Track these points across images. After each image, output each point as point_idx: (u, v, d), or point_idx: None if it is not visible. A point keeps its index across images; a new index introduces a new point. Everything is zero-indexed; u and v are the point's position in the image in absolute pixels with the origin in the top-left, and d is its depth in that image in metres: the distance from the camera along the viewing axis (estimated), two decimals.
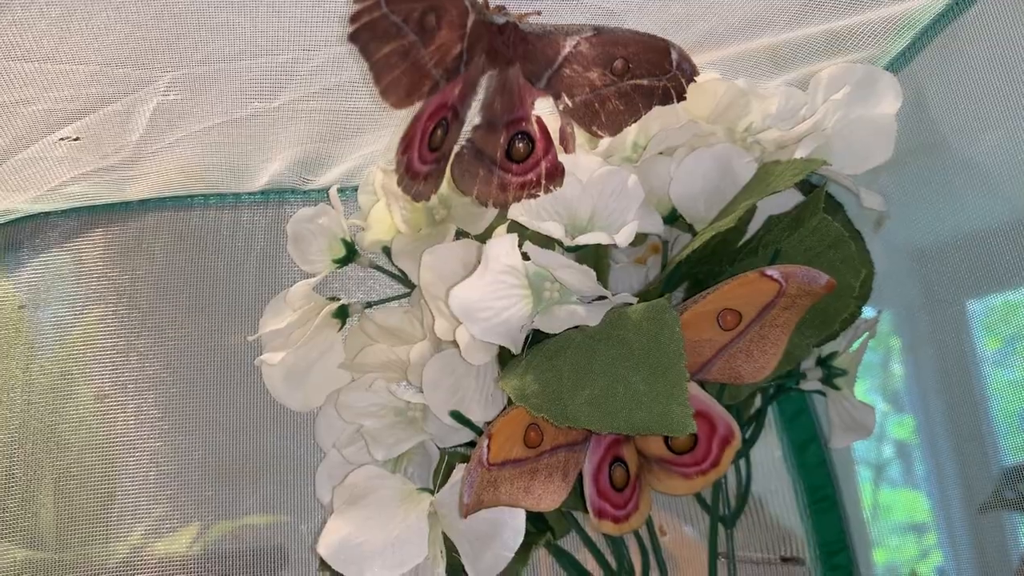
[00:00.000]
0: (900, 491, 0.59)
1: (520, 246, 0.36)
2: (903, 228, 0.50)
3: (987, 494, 0.49)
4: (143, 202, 0.54)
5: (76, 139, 0.44)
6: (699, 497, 0.46)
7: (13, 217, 0.54)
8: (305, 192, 0.55)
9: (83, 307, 0.54)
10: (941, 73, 0.46)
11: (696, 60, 0.38)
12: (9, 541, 0.51)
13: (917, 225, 0.51)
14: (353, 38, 0.32)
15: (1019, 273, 0.44)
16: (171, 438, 0.53)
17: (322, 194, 0.54)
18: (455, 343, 0.38)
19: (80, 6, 0.35)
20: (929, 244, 0.51)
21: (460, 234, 0.43)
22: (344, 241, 0.46)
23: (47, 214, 0.54)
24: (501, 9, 0.37)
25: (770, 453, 0.57)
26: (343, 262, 0.46)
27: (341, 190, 0.47)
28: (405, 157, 0.36)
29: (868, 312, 0.46)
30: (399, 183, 0.37)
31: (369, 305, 0.46)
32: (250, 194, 0.55)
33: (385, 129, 0.48)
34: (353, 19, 0.31)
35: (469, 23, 0.35)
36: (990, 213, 0.46)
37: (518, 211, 0.39)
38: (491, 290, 0.36)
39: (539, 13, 0.38)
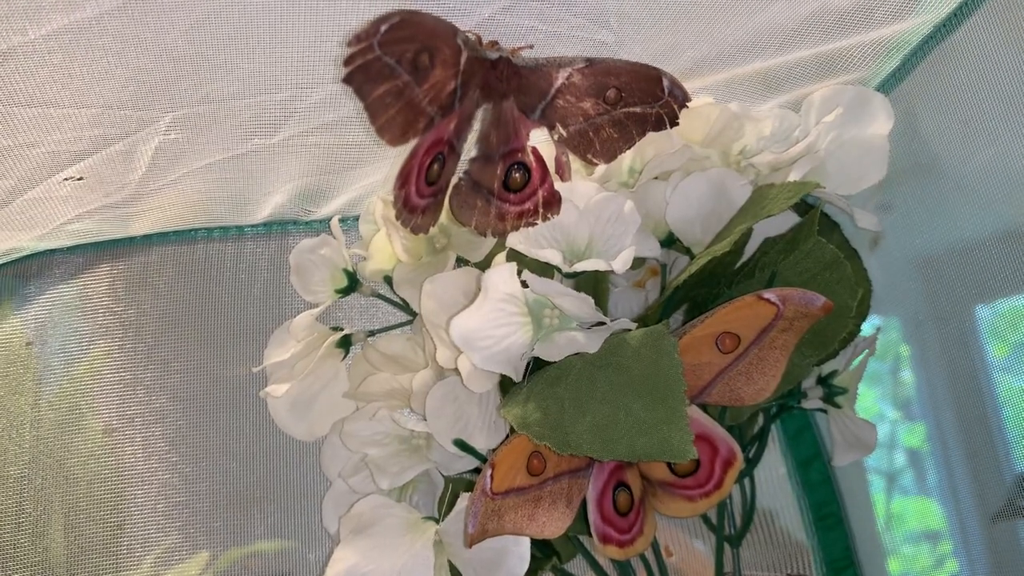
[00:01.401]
0: (913, 500, 0.59)
1: (519, 274, 0.37)
2: (905, 240, 0.51)
3: (1000, 502, 0.49)
4: (147, 237, 0.55)
5: (80, 179, 0.44)
6: (705, 517, 0.46)
7: (20, 255, 0.54)
8: (307, 223, 0.56)
9: (90, 342, 0.54)
10: (931, 93, 0.46)
11: (688, 86, 0.39)
12: (21, 575, 0.51)
13: (918, 238, 0.51)
14: (348, 80, 0.32)
15: (1019, 282, 0.44)
16: (179, 469, 0.54)
17: (324, 224, 0.55)
18: (457, 371, 0.38)
19: (80, 52, 0.36)
20: (932, 254, 0.51)
21: (460, 262, 0.44)
22: (346, 271, 0.47)
23: (53, 251, 0.54)
24: (494, 45, 0.37)
25: (774, 471, 0.57)
26: (345, 292, 0.47)
27: (342, 220, 0.48)
28: (403, 192, 0.37)
29: (869, 326, 0.46)
30: (397, 217, 0.37)
31: (372, 334, 0.46)
32: (253, 226, 0.55)
33: (384, 160, 0.48)
34: (347, 62, 0.32)
35: (462, 61, 0.36)
36: (986, 225, 0.47)
37: (516, 239, 0.39)
38: (491, 318, 0.37)
39: (531, 47, 0.38)
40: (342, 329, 0.46)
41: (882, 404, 0.58)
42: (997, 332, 0.48)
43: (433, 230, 0.43)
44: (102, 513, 0.53)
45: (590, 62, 0.38)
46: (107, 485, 0.53)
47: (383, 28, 0.32)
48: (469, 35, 0.36)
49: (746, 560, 0.47)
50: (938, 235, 0.50)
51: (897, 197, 0.49)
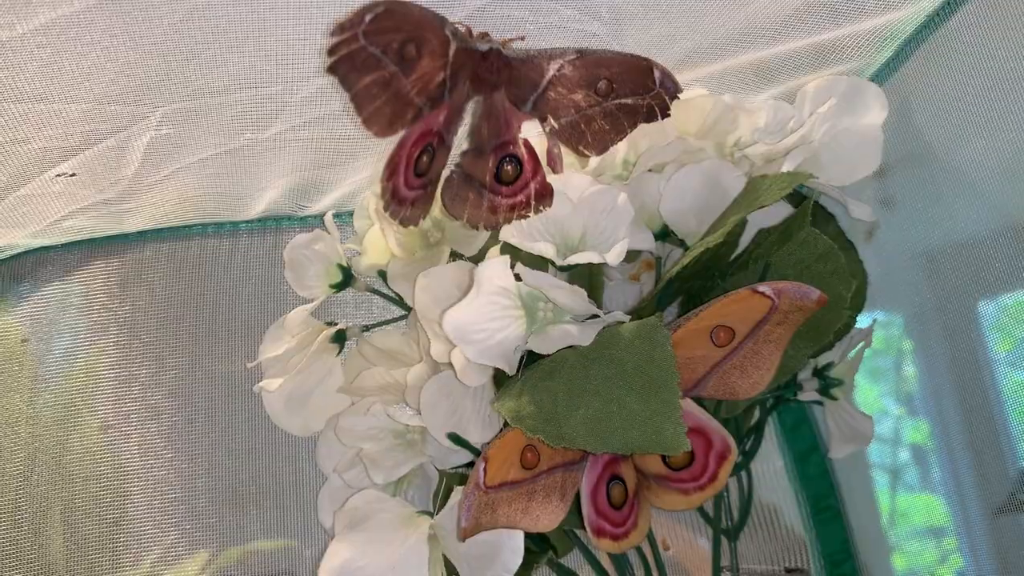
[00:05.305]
0: (917, 496, 0.59)
1: (513, 267, 0.37)
2: (901, 231, 0.51)
3: (1002, 497, 0.49)
4: (141, 234, 0.55)
5: (72, 175, 0.44)
6: (702, 511, 0.46)
7: (14, 252, 0.54)
8: (302, 218, 0.56)
9: (85, 339, 0.54)
10: (926, 83, 0.46)
11: (682, 77, 0.38)
12: (19, 573, 0.51)
13: (913, 229, 0.51)
14: (332, 70, 0.32)
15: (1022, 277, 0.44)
16: (175, 466, 0.54)
17: (318, 220, 0.55)
18: (451, 365, 0.38)
19: (70, 48, 0.36)
20: (932, 246, 0.51)
21: (455, 256, 0.44)
22: (340, 266, 0.46)
23: (47, 248, 0.54)
24: (484, 36, 0.37)
25: (772, 464, 0.57)
26: (340, 287, 0.47)
27: (337, 215, 0.48)
28: (390, 183, 0.36)
29: (868, 319, 0.46)
30: (385, 209, 0.37)
31: (366, 329, 0.46)
32: (247, 222, 0.55)
33: (378, 155, 0.48)
34: (331, 52, 0.32)
35: (451, 52, 0.36)
36: (984, 215, 0.47)
37: (510, 232, 0.39)
38: (484, 312, 0.36)
39: (523, 38, 0.38)
40: (337, 324, 0.46)
41: (886, 400, 0.58)
42: (1001, 327, 0.47)
43: (427, 224, 0.43)
44: (99, 510, 0.53)
45: (581, 53, 0.38)
46: (104, 482, 0.53)
47: (367, 17, 0.32)
48: (459, 26, 0.36)
49: (744, 554, 0.47)
50: (935, 226, 0.50)
51: (892, 188, 0.49)
